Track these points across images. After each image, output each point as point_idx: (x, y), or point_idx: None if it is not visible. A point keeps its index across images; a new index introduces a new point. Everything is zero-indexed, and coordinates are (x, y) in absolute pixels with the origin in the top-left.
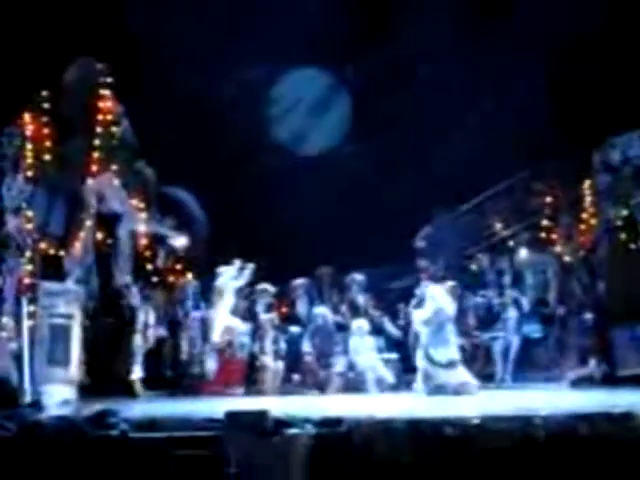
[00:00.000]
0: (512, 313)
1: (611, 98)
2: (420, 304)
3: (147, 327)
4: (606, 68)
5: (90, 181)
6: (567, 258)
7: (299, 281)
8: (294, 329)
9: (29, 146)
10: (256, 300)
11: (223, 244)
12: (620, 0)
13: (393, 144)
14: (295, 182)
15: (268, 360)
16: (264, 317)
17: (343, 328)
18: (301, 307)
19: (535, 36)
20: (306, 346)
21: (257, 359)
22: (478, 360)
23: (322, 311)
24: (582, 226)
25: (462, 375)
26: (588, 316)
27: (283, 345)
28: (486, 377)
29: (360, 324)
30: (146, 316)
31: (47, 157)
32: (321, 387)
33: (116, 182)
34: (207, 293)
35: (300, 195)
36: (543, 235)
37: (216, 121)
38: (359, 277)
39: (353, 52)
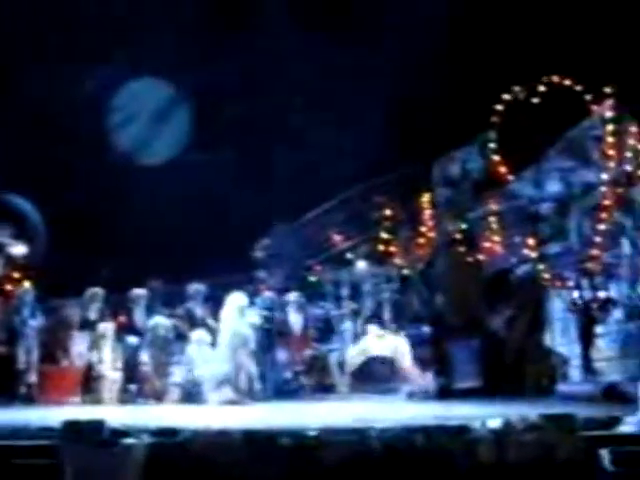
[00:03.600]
0: (349, 325)
1: (450, 112)
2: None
3: None
4: (447, 84)
5: None
6: (405, 271)
7: (138, 291)
8: (132, 339)
9: None
10: (87, 306)
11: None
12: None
13: (235, 156)
14: (136, 192)
15: (106, 369)
16: (103, 326)
17: (181, 338)
18: (138, 317)
19: (379, 51)
20: (143, 356)
21: (94, 368)
22: (316, 372)
23: (161, 321)
24: (421, 239)
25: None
26: (425, 329)
27: (121, 355)
28: (324, 389)
29: (200, 335)
30: None
31: None
32: (158, 397)
33: None
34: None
35: (140, 205)
36: (382, 247)
37: (57, 128)
38: (202, 288)
39: (198, 61)
